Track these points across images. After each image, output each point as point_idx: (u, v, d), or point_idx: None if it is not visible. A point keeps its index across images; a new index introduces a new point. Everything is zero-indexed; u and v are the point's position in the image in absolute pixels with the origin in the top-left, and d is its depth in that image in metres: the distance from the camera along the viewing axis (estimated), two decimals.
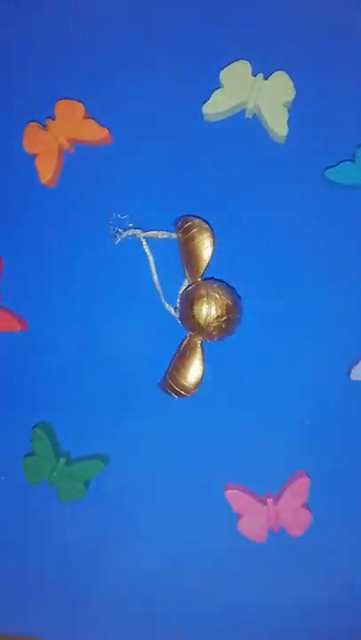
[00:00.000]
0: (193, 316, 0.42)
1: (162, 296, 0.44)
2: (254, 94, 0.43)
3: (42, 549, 0.45)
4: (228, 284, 0.44)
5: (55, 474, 0.43)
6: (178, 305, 0.45)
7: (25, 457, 0.44)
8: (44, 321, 0.47)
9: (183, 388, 0.43)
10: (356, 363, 0.42)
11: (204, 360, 0.43)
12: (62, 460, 0.44)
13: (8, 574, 0.45)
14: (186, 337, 0.43)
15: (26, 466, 0.44)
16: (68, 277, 0.46)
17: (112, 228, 0.45)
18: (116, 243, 0.45)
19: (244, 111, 0.45)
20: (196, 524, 0.44)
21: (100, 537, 0.45)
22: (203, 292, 0.42)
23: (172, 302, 0.44)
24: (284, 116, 0.43)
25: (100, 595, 0.44)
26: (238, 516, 0.43)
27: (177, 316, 0.44)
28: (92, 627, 0.45)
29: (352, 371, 0.42)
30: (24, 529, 0.46)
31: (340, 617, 0.44)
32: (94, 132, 0.45)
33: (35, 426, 0.45)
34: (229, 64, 0.44)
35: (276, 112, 0.43)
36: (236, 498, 0.43)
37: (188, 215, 0.44)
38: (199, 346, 0.43)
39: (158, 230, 0.45)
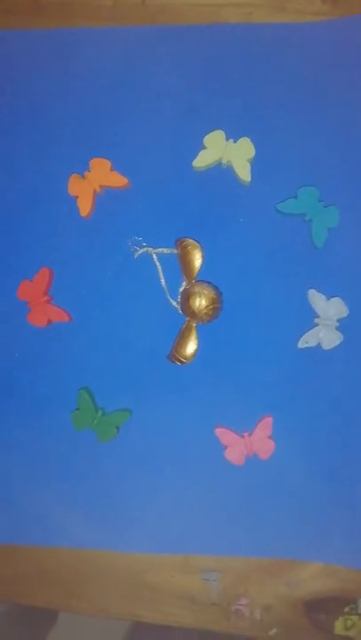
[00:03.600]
0: (189, 307, 0.53)
1: (167, 293, 0.55)
2: (227, 153, 0.54)
3: (88, 477, 0.56)
4: (212, 284, 0.54)
5: (95, 422, 0.55)
6: (179, 299, 0.55)
7: (72, 411, 0.55)
8: (84, 314, 0.57)
9: (184, 357, 0.54)
10: (301, 336, 0.53)
11: (198, 337, 0.54)
12: (100, 412, 0.55)
13: (65, 494, 0.56)
14: (185, 322, 0.55)
15: (73, 418, 0.55)
16: (101, 283, 0.57)
17: (131, 246, 0.56)
18: (135, 257, 0.56)
19: (220, 164, 0.55)
20: (195, 453, 0.55)
21: (128, 465, 0.56)
22: (196, 289, 0.53)
23: (174, 297, 0.55)
24: (248, 167, 0.54)
25: (125, 501, 0.56)
26: (224, 447, 0.54)
27: (178, 307, 0.55)
28: (113, 525, 0.56)
29: (299, 341, 0.54)
30: (73, 464, 0.56)
31: (289, 522, 0.54)
32: (118, 181, 0.56)
33: (80, 389, 0.56)
34: (210, 132, 0.54)
35: (242, 165, 0.54)
36: (222, 434, 0.54)
37: (184, 237, 0.55)
38: (194, 328, 0.54)
39: (163, 247, 0.56)
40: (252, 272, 0.56)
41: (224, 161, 0.55)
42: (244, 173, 0.55)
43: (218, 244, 0.56)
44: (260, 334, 0.56)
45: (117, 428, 0.56)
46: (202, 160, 0.56)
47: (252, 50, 0.58)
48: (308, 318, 0.54)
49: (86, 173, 0.56)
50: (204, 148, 0.55)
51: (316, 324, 0.54)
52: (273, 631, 0.55)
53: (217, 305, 0.54)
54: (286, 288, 0.55)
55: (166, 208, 0.57)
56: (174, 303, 0.56)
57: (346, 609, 0.54)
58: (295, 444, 0.55)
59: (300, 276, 0.55)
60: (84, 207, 0.56)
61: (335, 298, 0.53)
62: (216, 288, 0.55)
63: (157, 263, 0.56)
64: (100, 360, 0.57)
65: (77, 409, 0.56)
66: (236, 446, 0.54)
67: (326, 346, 0.53)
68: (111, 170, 0.56)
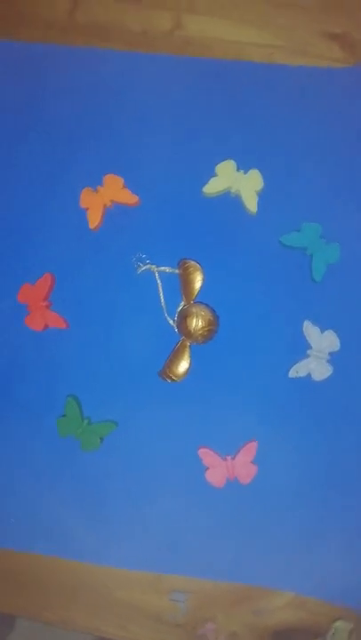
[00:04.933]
0: (186, 326, 0.54)
1: (165, 311, 0.56)
2: (237, 183, 0.56)
3: (68, 485, 0.56)
4: (210, 306, 0.55)
5: (80, 430, 0.55)
6: (176, 318, 0.56)
7: (58, 418, 0.56)
8: (81, 323, 0.57)
9: (175, 375, 0.55)
10: (293, 366, 0.54)
11: (191, 357, 0.55)
12: (86, 421, 0.55)
13: (41, 499, 0.56)
14: (179, 341, 0.56)
15: (59, 424, 0.56)
16: (102, 294, 0.58)
17: (135, 262, 0.57)
18: (138, 272, 0.57)
19: (229, 192, 0.57)
20: (177, 472, 0.55)
21: (109, 477, 0.56)
22: (193, 310, 0.54)
23: (171, 316, 0.56)
24: (255, 199, 0.56)
25: (102, 513, 0.56)
26: (206, 468, 0.54)
27: (175, 325, 0.56)
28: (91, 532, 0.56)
29: (290, 371, 0.55)
30: (53, 470, 0.56)
31: (263, 549, 0.55)
32: (128, 198, 0.57)
33: (68, 396, 0.56)
34: (223, 161, 0.56)
35: (250, 195, 0.56)
36: (205, 455, 0.55)
37: (187, 258, 0.56)
38: (188, 347, 0.55)
39: (166, 266, 0.57)
40: (250, 299, 0.57)
41: (233, 190, 0.57)
42: (251, 204, 0.57)
43: (219, 268, 0.58)
44: (252, 360, 0.57)
45: (101, 438, 0.56)
46: (212, 187, 0.57)
47: (271, 88, 0.60)
48: (301, 349, 0.55)
49: (99, 188, 0.58)
50: (215, 175, 0.57)
51: (309, 356, 0.55)
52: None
53: (213, 327, 0.55)
54: (282, 317, 0.57)
55: (173, 229, 0.59)
56: (171, 321, 0.57)
57: None
58: (277, 472, 0.55)
59: (297, 307, 0.57)
60: (94, 220, 0.58)
61: (328, 331, 0.55)
62: (213, 311, 0.56)
63: (159, 281, 0.57)
64: (91, 369, 0.58)
65: (64, 415, 0.56)
66: (217, 468, 0.55)
67: (317, 377, 0.54)
68: (123, 187, 0.58)
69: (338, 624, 0.52)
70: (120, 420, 0.57)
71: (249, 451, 0.55)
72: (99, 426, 0.56)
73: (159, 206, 0.59)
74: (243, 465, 0.54)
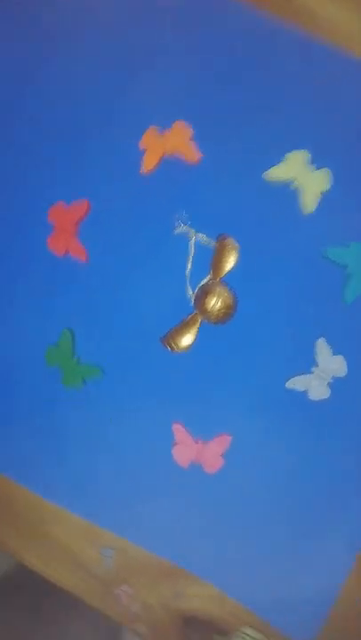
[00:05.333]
0: (203, 302, 0.53)
1: (188, 280, 0.54)
2: (303, 176, 0.53)
3: (34, 412, 0.57)
4: (233, 290, 0.54)
5: (67, 364, 0.55)
6: (196, 290, 0.54)
7: (50, 345, 0.56)
8: (100, 263, 0.56)
9: (177, 346, 0.54)
10: (293, 377, 0.53)
11: (197, 334, 0.54)
12: (75, 359, 0.55)
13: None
14: (191, 314, 0.54)
15: (49, 351, 0.56)
16: (131, 239, 0.56)
17: (176, 220, 0.55)
18: (175, 232, 0.55)
19: (292, 183, 0.54)
20: (149, 439, 0.55)
21: (76, 413, 0.56)
22: (217, 289, 0.53)
23: (192, 286, 0.54)
24: (317, 199, 0.53)
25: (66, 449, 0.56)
26: (174, 443, 0.54)
27: (192, 297, 0.54)
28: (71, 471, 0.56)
29: (289, 381, 0.53)
30: (28, 397, 0.57)
31: (198, 534, 0.55)
32: (190, 153, 0.54)
33: (65, 328, 0.56)
34: (297, 150, 0.53)
35: (312, 193, 0.53)
36: (177, 431, 0.54)
37: (227, 233, 0.54)
38: (198, 323, 0.54)
39: (204, 235, 0.55)
40: (275, 295, 0.55)
41: (297, 182, 0.54)
42: (310, 202, 0.54)
43: (255, 255, 0.55)
44: (256, 357, 0.55)
45: (84, 380, 0.56)
46: (277, 172, 0.54)
47: None
48: (307, 364, 0.54)
49: (166, 132, 0.55)
50: (283, 160, 0.54)
51: (312, 372, 0.54)
52: None
53: (230, 311, 0.54)
54: (300, 326, 0.55)
55: (222, 201, 0.56)
56: (190, 292, 0.55)
57: (216, 636, 0.55)
58: (242, 470, 0.55)
59: (318, 320, 0.55)
60: (149, 163, 0.55)
61: (339, 356, 0.53)
62: (235, 295, 0.54)
63: (192, 247, 0.55)
64: (95, 312, 0.57)
65: (56, 344, 0.56)
66: (186, 447, 0.55)
67: (312, 396, 0.54)
68: (191, 139, 0.55)
69: (248, 630, 0.53)
70: (107, 370, 0.56)
71: (221, 443, 0.54)
72: (85, 367, 0.56)
73: (216, 173, 0.56)
74: (212, 454, 0.54)
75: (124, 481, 0.56)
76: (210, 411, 0.56)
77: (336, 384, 0.54)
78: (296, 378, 0.54)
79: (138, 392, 0.56)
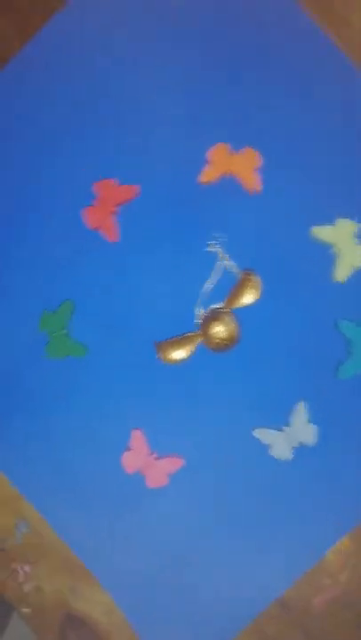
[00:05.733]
0: (208, 327, 0.53)
1: (200, 299, 0.54)
2: (347, 246, 0.54)
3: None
4: (240, 325, 0.54)
5: (56, 333, 0.55)
6: (205, 312, 0.54)
7: (46, 310, 0.55)
8: (123, 251, 0.56)
9: (166, 357, 0.54)
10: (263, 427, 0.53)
11: (192, 354, 0.54)
12: (65, 331, 0.55)
13: None
14: (193, 331, 0.54)
15: (44, 316, 0.55)
16: (162, 242, 0.55)
17: (214, 239, 0.55)
18: (207, 249, 0.55)
19: (333, 247, 0.54)
20: (105, 434, 0.55)
21: (49, 383, 0.56)
22: (226, 318, 0.53)
23: (202, 307, 0.55)
24: (350, 271, 0.54)
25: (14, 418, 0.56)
26: (128, 448, 0.54)
27: (199, 317, 0.54)
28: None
29: (256, 430, 0.53)
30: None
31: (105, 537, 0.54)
32: (252, 182, 0.54)
33: (67, 299, 0.56)
34: (350, 219, 0.54)
35: (348, 265, 0.54)
36: (134, 438, 0.54)
37: (254, 271, 0.54)
38: (196, 343, 0.54)
39: (234, 264, 0.55)
40: (276, 345, 0.55)
41: (337, 249, 0.55)
42: (343, 272, 0.55)
43: (271, 302, 0.55)
44: (236, 395, 0.55)
45: (65, 356, 0.56)
46: (323, 233, 0.55)
47: None
48: (281, 420, 0.54)
49: (233, 154, 0.55)
50: (333, 224, 0.55)
51: (282, 430, 0.53)
52: None
53: (230, 344, 0.54)
54: (287, 383, 0.55)
55: (263, 237, 0.56)
56: (199, 311, 0.55)
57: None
58: (179, 495, 0.55)
59: (306, 385, 0.55)
60: (209, 176, 0.55)
61: (315, 426, 0.53)
62: (240, 330, 0.54)
63: (218, 269, 0.55)
64: (102, 294, 0.57)
65: (54, 312, 0.56)
66: (138, 455, 0.54)
67: (273, 452, 0.54)
68: (257, 169, 0.55)
69: None
70: (92, 353, 0.56)
71: (173, 463, 0.54)
72: (73, 343, 0.55)
73: (267, 210, 0.56)
74: (159, 471, 0.54)
75: (65, 461, 0.55)
76: (175, 429, 0.55)
77: (301, 451, 0.54)
78: (264, 429, 0.54)
79: (114, 386, 0.56)
